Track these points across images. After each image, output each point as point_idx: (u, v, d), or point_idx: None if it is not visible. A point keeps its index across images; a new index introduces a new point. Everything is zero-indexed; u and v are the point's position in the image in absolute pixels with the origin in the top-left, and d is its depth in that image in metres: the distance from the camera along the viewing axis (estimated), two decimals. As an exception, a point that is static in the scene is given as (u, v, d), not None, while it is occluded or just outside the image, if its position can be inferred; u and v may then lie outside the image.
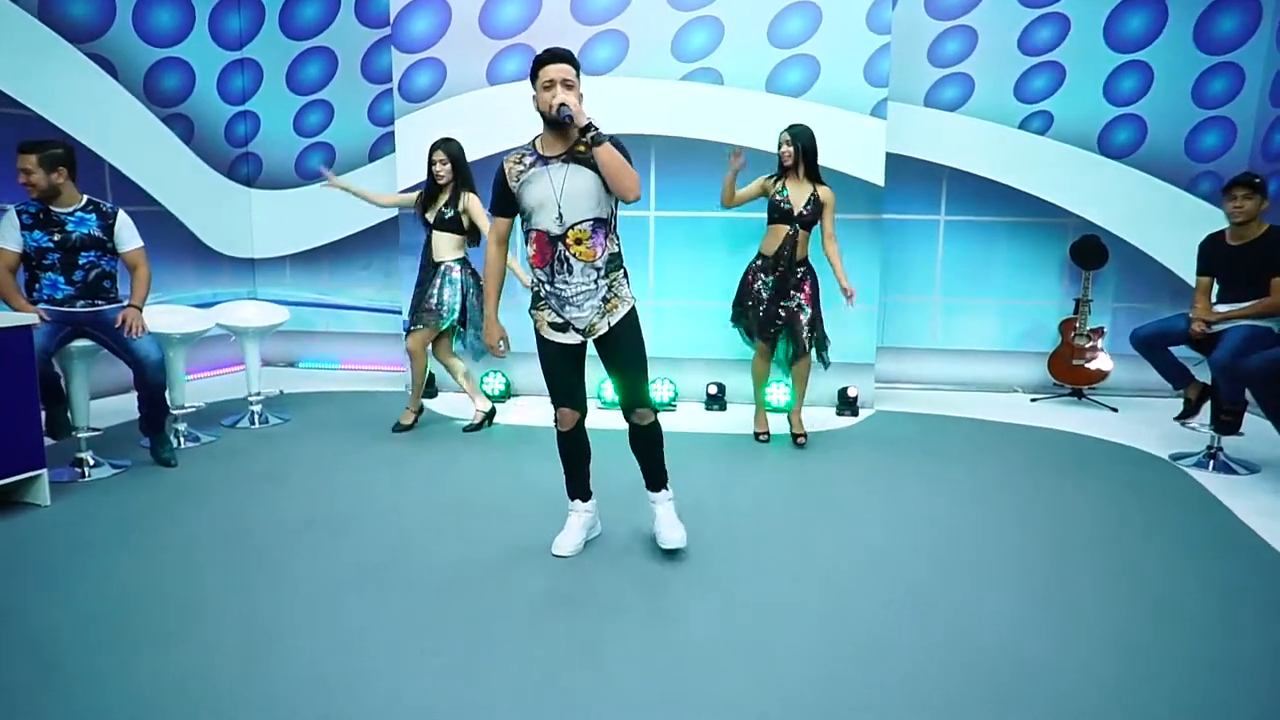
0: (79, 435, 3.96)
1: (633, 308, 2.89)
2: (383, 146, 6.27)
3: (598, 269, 2.77)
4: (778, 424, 4.90)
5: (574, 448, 3.04)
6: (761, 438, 4.74)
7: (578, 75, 2.68)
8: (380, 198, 5.15)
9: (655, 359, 5.70)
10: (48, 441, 3.95)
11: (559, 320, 2.84)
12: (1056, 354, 5.77)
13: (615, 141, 2.67)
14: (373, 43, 6.17)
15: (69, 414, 3.96)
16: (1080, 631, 2.48)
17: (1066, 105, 5.76)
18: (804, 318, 4.53)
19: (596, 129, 2.60)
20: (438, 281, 4.65)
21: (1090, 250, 5.66)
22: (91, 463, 4.00)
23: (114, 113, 5.47)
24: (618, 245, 2.86)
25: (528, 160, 2.75)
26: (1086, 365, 5.66)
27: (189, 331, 4.48)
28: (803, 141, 4.42)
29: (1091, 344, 5.66)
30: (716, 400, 5.46)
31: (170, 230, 5.92)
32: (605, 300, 2.81)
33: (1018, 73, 5.78)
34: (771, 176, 4.56)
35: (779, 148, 4.48)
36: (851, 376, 5.38)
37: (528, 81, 2.75)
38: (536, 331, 2.91)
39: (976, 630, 2.48)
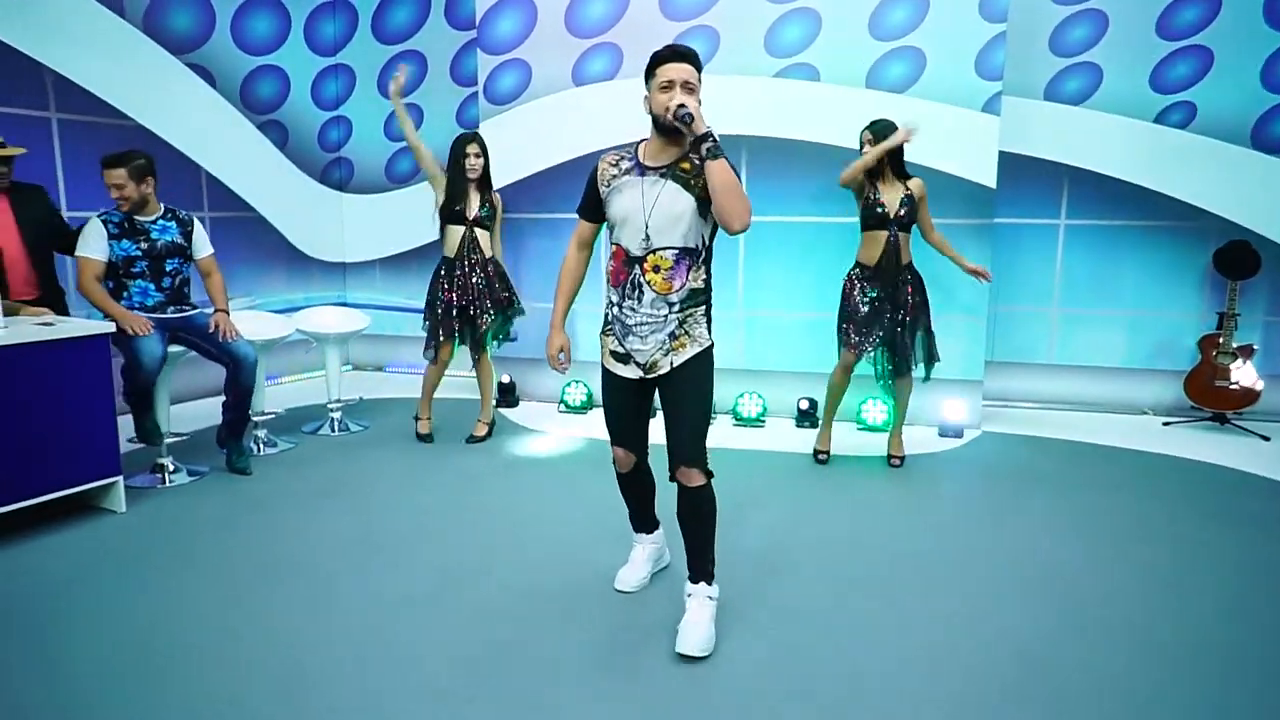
0: (166, 441, 4.00)
1: (706, 350, 2.48)
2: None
3: (671, 303, 2.42)
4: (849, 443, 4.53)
5: (634, 487, 2.78)
6: (821, 457, 4.41)
7: (700, 79, 2.37)
8: (420, 147, 4.65)
9: (744, 372, 5.61)
10: (130, 447, 4.03)
11: (621, 350, 2.52)
12: (1195, 373, 5.15)
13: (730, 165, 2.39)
14: (461, 45, 6.11)
15: (157, 419, 4.01)
16: (1229, 724, 2.07)
17: (1214, 95, 5.14)
18: (910, 334, 4.16)
19: (716, 140, 2.26)
20: (488, 274, 4.62)
21: (1238, 258, 5.03)
22: (171, 468, 4.03)
23: (212, 121, 5.58)
24: (704, 280, 2.48)
25: (624, 165, 2.45)
26: (1231, 386, 5.04)
27: (270, 338, 4.47)
28: (886, 137, 4.05)
29: (1238, 363, 5.03)
30: (808, 417, 5.13)
31: (263, 235, 6.02)
32: (673, 336, 2.44)
33: (1155, 60, 5.19)
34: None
35: (861, 148, 4.15)
36: (956, 394, 4.95)
37: (613, 82, 2.54)
38: (602, 365, 2.62)
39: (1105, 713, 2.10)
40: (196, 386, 5.28)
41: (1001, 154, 4.86)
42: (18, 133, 4.60)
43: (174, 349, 3.97)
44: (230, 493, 3.85)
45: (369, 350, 6.73)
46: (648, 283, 2.40)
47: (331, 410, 4.95)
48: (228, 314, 4.06)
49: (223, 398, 4.09)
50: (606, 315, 2.56)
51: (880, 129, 4.07)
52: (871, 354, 4.24)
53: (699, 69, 2.37)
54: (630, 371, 2.52)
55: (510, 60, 5.41)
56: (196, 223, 4.06)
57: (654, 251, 2.39)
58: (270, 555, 3.13)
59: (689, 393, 2.46)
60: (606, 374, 2.59)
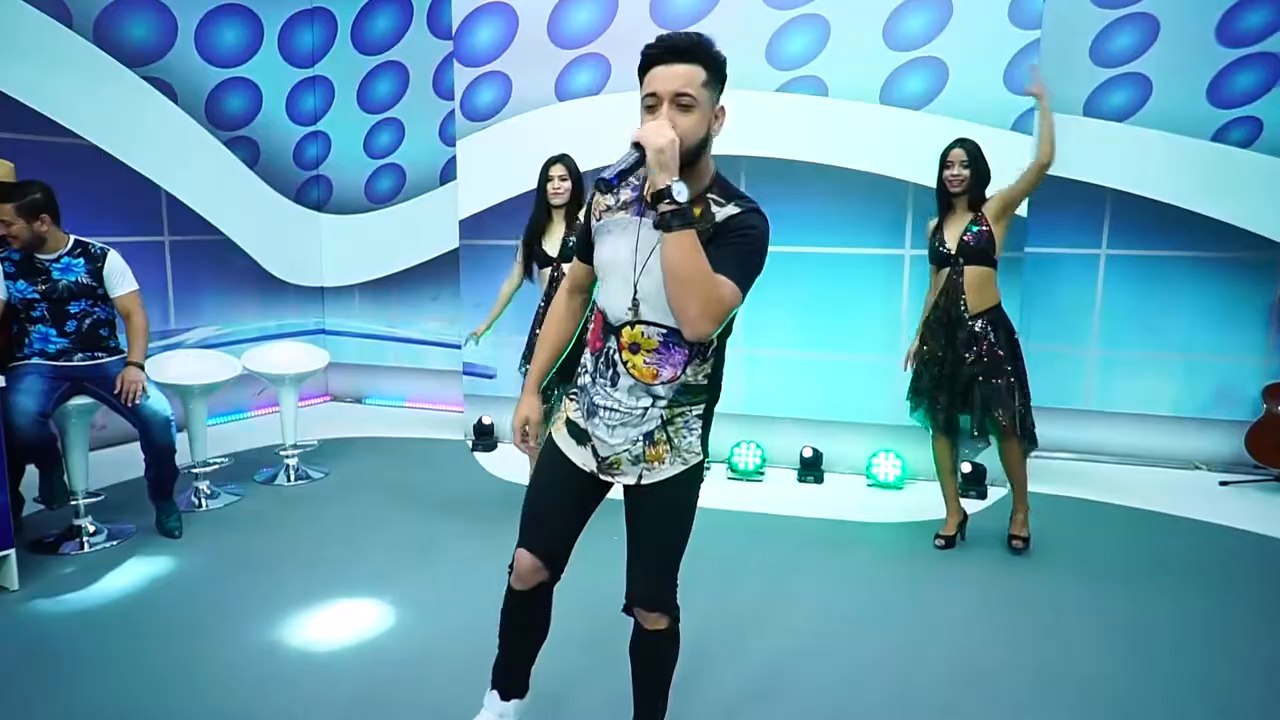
0: (76, 502, 3.58)
1: (693, 469, 1.83)
2: (454, 168, 5.75)
3: (656, 396, 1.76)
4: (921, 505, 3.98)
5: (524, 617, 2.00)
6: (939, 542, 3.65)
7: (712, 84, 1.64)
8: (503, 296, 4.03)
9: (741, 417, 5.02)
10: (30, 511, 3.62)
11: (581, 426, 1.86)
12: (1260, 426, 4.52)
13: (734, 226, 1.65)
14: (444, 56, 5.66)
15: (66, 478, 3.59)
16: None
17: (1282, 109, 4.52)
18: (980, 386, 3.47)
19: (678, 203, 1.54)
20: None
21: (1309, 296, 4.41)
22: (91, 530, 3.62)
23: (172, 138, 5.19)
24: (707, 376, 1.79)
25: (625, 194, 1.76)
26: (1299, 443, 4.41)
27: (210, 383, 4.05)
28: (979, 161, 3.45)
29: (1307, 417, 4.40)
30: (811, 468, 4.59)
31: (232, 260, 5.62)
32: (650, 439, 1.78)
33: (1214, 70, 4.58)
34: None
35: (943, 169, 3.48)
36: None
37: (600, 97, 1.98)
38: (549, 433, 1.97)
39: None
40: (127, 430, 4.83)
41: (1034, 178, 4.28)
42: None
43: (80, 401, 3.54)
44: (148, 561, 3.42)
45: (348, 380, 6.31)
46: (624, 364, 1.76)
47: (286, 457, 4.52)
48: (141, 367, 3.58)
49: (143, 451, 3.66)
50: (578, 378, 1.92)
51: (975, 151, 3.46)
52: (936, 410, 3.59)
53: (714, 69, 1.63)
54: (582, 458, 1.86)
55: (489, 73, 4.95)
56: (111, 257, 3.62)
57: (636, 324, 1.73)
58: (175, 652, 2.68)
59: (661, 521, 1.84)
60: (552, 452, 1.92)
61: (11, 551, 3.12)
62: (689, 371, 1.75)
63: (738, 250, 1.62)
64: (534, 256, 3.78)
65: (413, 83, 5.80)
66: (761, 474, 4.64)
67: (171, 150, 5.17)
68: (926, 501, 4.20)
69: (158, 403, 3.58)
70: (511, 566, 1.93)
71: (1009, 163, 4.17)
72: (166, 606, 3.04)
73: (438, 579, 3.32)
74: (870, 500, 4.31)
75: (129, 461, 4.32)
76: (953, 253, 3.47)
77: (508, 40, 4.89)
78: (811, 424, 4.66)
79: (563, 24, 4.80)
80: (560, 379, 3.53)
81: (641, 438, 1.78)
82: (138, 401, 3.50)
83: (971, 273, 3.46)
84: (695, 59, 1.61)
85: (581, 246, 1.90)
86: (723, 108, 1.69)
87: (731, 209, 1.66)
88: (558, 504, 1.90)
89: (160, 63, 5.09)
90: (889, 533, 3.85)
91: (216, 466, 4.20)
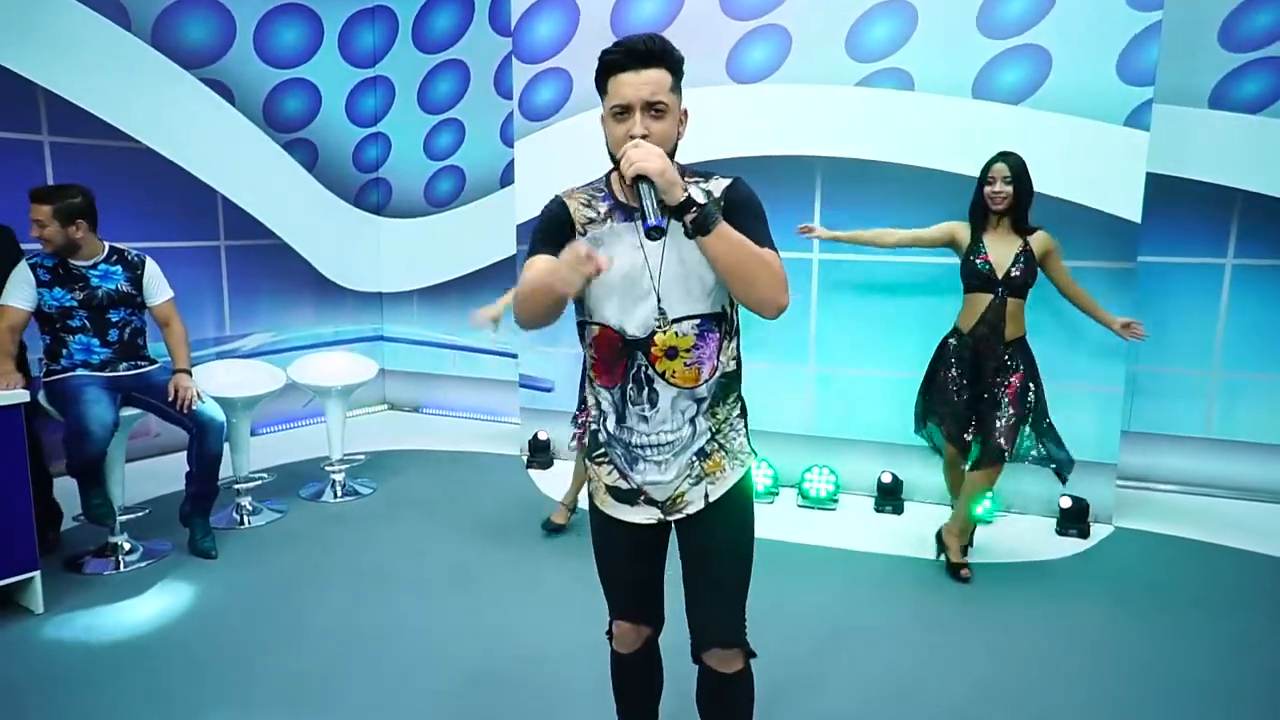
0: (120, 519, 3.46)
1: (748, 475, 1.75)
2: (514, 170, 5.53)
3: (699, 400, 1.66)
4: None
5: (636, 674, 1.93)
6: (963, 572, 3.38)
7: (678, 87, 1.57)
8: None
9: (813, 438, 4.58)
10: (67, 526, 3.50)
11: (626, 486, 1.72)
12: None
13: (740, 198, 1.61)
14: (505, 54, 5.44)
15: (108, 493, 3.46)
16: None
17: None
18: (1002, 417, 3.25)
19: (700, 205, 1.47)
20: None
21: None
22: (127, 548, 3.49)
23: (229, 141, 5.09)
24: (736, 358, 1.72)
25: (600, 207, 1.64)
26: None
27: (253, 394, 3.89)
28: (1023, 180, 3.21)
29: None
30: (890, 497, 4.19)
31: (287, 264, 5.51)
32: (704, 455, 1.68)
33: (1364, 55, 4.00)
34: (967, 224, 3.38)
35: (984, 185, 3.25)
36: (1082, 477, 3.92)
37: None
38: (590, 500, 1.81)
39: None
40: (167, 441, 4.75)
41: (1150, 177, 3.80)
42: (5, 157, 4.21)
43: (128, 412, 3.43)
44: (180, 585, 3.27)
45: (406, 389, 6.15)
46: (662, 375, 1.63)
47: (332, 473, 4.34)
48: (189, 373, 3.48)
49: (188, 462, 3.52)
50: (595, 435, 1.76)
51: (1018, 167, 3.21)
52: (955, 436, 3.39)
53: (678, 72, 1.56)
54: (643, 515, 1.72)
55: (549, 70, 4.70)
56: (149, 264, 3.49)
57: (668, 327, 1.61)
58: (198, 680, 2.50)
59: (727, 542, 1.72)
60: (604, 522, 1.78)
61: (36, 574, 2.99)
62: (723, 358, 1.67)
63: (754, 218, 1.61)
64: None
65: (474, 82, 5.59)
66: (835, 502, 4.26)
67: (228, 153, 5.08)
68: (1021, 536, 3.78)
69: (213, 408, 3.47)
70: (611, 633, 1.89)
71: (1121, 164, 3.74)
72: (194, 637, 2.87)
73: (479, 610, 3.08)
74: (803, 520, 4.00)
75: (167, 474, 4.20)
76: (999, 279, 3.24)
77: (569, 34, 4.63)
78: (891, 448, 4.26)
79: (627, 15, 4.51)
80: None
81: (695, 457, 1.68)
82: (194, 407, 3.38)
83: (1014, 303, 3.26)
84: (661, 63, 1.54)
85: (547, 251, 1.58)
86: (686, 110, 1.63)
87: (717, 184, 1.64)
88: (633, 570, 1.82)
89: (218, 64, 5.00)
90: (977, 573, 3.43)
91: (259, 482, 4.05)
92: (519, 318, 1.59)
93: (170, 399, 3.38)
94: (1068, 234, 3.53)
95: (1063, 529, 3.88)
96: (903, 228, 3.69)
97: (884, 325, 4.25)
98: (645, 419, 1.65)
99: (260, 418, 5.23)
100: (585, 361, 1.77)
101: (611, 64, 1.54)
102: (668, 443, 1.65)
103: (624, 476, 1.71)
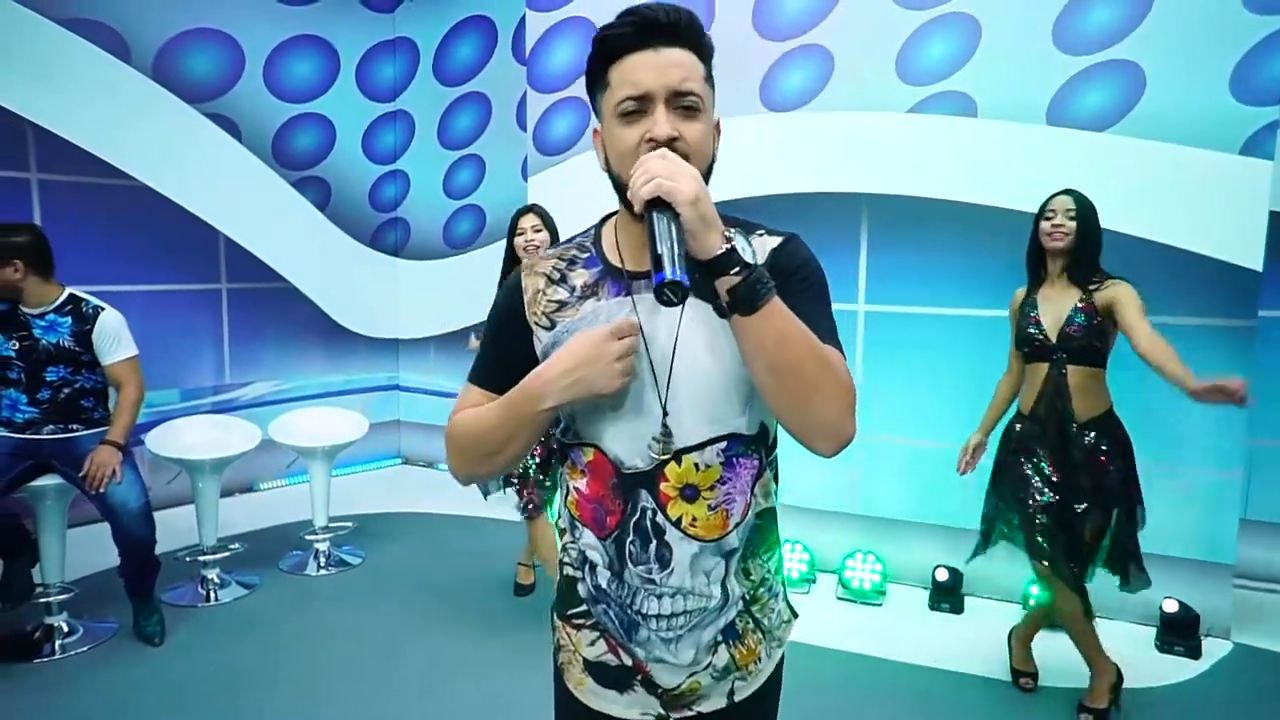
0: (49, 599, 3.07)
1: (782, 658, 1.28)
2: (535, 210, 5.13)
3: (729, 553, 1.16)
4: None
5: None
6: (1025, 683, 2.86)
7: (711, 81, 1.11)
8: None
9: (858, 518, 3.78)
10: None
11: (615, 661, 1.20)
12: None
13: (795, 265, 1.12)
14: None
15: (35, 568, 3.08)
16: None
17: None
18: (1090, 521, 2.59)
19: (746, 265, 0.98)
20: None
21: None
22: (65, 630, 3.10)
23: (234, 178, 4.80)
24: (773, 493, 1.22)
25: (580, 278, 1.16)
26: None
27: (221, 457, 3.50)
28: (1090, 221, 2.60)
29: None
30: (948, 594, 3.54)
31: (294, 309, 5.16)
32: (735, 635, 1.18)
33: None
34: (1024, 289, 2.78)
35: (1042, 220, 2.65)
36: (1189, 578, 3.22)
37: None
38: (558, 681, 1.29)
39: None
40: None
41: (1275, 216, 3.14)
42: (-13, 198, 3.97)
43: (48, 481, 3.03)
44: (120, 676, 2.88)
45: (422, 442, 5.73)
46: (677, 525, 1.13)
47: (315, 542, 3.91)
48: (118, 447, 3.01)
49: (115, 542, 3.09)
50: (570, 585, 1.23)
51: (1084, 205, 2.59)
52: (1050, 551, 2.62)
53: (708, 60, 1.09)
54: (637, 708, 1.20)
55: (566, 99, 4.27)
56: (105, 319, 3.07)
57: (683, 454, 1.11)
58: None
59: None
60: (572, 708, 1.25)
61: (-63, 669, 2.62)
62: (758, 490, 1.16)
63: (815, 299, 1.11)
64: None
65: (495, 115, 5.22)
66: (881, 595, 3.63)
67: (232, 191, 4.78)
68: (1110, 650, 3.09)
69: (128, 490, 3.00)
70: None
71: (1237, 200, 3.08)
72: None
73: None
74: (844, 618, 3.36)
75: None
76: (1053, 343, 2.60)
77: (584, 60, 4.20)
78: (949, 534, 3.62)
79: (650, 40, 4.07)
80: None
81: (720, 636, 1.17)
82: (103, 489, 2.95)
83: (1079, 373, 2.59)
84: (689, 42, 1.07)
85: (499, 367, 1.18)
86: (719, 121, 1.14)
87: (760, 242, 1.14)
88: None
89: (224, 98, 4.73)
90: (1054, 701, 2.77)
91: (228, 553, 3.64)
92: (460, 468, 1.20)
93: (81, 474, 2.96)
94: (1169, 287, 2.91)
95: (1165, 644, 3.17)
96: (968, 278, 3.11)
97: (942, 389, 3.63)
98: (651, 584, 1.15)
99: (261, 471, 4.88)
100: (563, 488, 1.24)
101: (618, 41, 1.05)
102: (683, 611, 1.15)
103: (616, 649, 1.19)
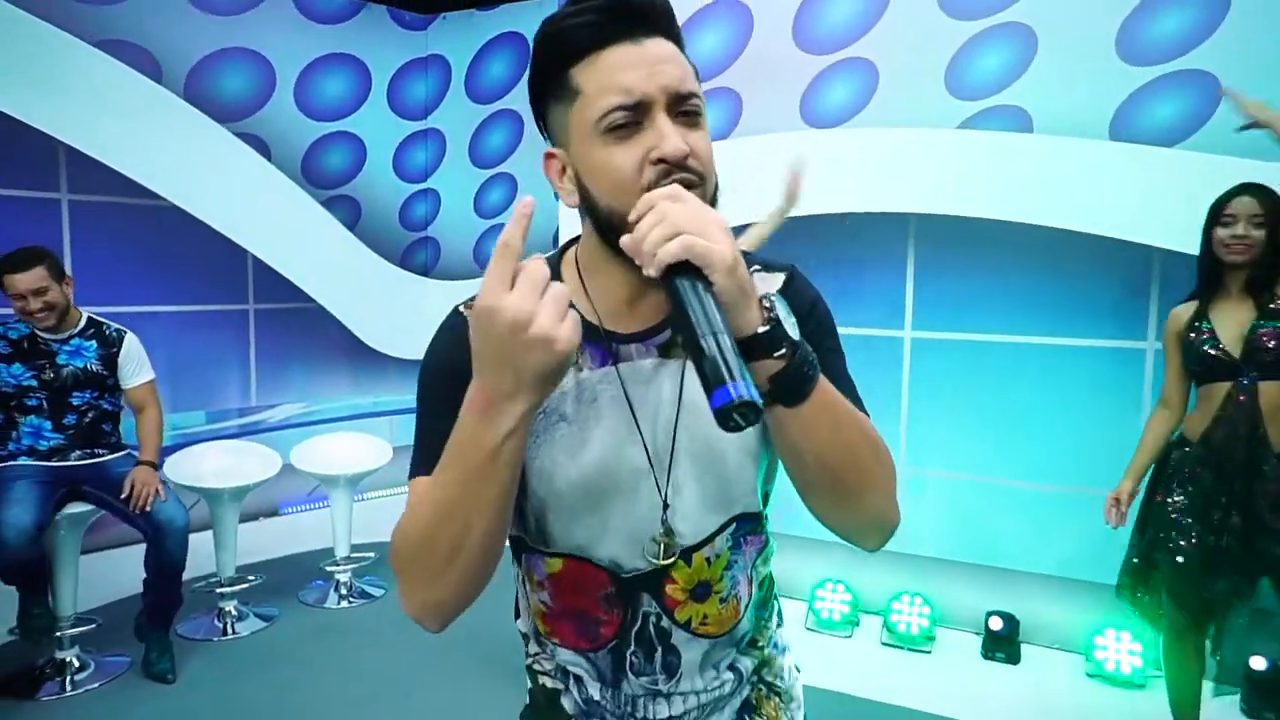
0: (63, 632, 2.98)
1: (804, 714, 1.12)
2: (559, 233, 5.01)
3: (738, 640, 1.01)
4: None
5: None
6: None
7: (697, 74, 0.89)
8: None
9: (905, 557, 3.46)
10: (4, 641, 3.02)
11: None
12: None
13: (804, 307, 0.93)
14: (561, 102, 4.97)
15: (51, 602, 2.99)
16: None
17: None
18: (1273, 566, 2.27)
19: (792, 342, 0.78)
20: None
21: None
22: (77, 665, 3.00)
23: (262, 197, 4.74)
24: (771, 554, 1.05)
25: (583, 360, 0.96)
26: None
27: (242, 484, 3.39)
28: (1276, 227, 2.25)
29: None
30: (1003, 643, 3.30)
31: (323, 329, 5.08)
32: (751, 709, 1.04)
33: None
34: (1190, 303, 2.42)
35: (1217, 227, 2.31)
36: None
37: (730, 141, 1.93)
38: None
39: None
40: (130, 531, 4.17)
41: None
42: (21, 218, 3.95)
43: (77, 508, 2.96)
44: (124, 714, 2.76)
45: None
46: (685, 627, 0.96)
47: (337, 573, 3.79)
48: (155, 466, 2.98)
49: (145, 568, 3.00)
50: (552, 699, 1.04)
51: (1273, 198, 2.28)
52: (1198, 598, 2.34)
53: (684, 49, 0.89)
54: None
55: (598, 116, 4.14)
56: (129, 341, 3.05)
57: (692, 552, 0.95)
58: None
59: None
60: None
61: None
62: (759, 562, 1.02)
63: (833, 346, 0.95)
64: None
65: (526, 132, 5.12)
66: (930, 641, 3.40)
67: (261, 211, 4.72)
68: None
69: (174, 508, 2.95)
70: None
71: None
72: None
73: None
74: (1090, 699, 2.98)
75: (135, 569, 3.66)
76: (1236, 358, 2.24)
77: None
78: (1001, 575, 3.39)
79: (691, 49, 3.92)
80: None
81: (736, 716, 1.03)
82: (149, 507, 2.88)
83: (1273, 390, 2.20)
84: (669, 31, 0.87)
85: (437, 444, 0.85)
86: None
87: (764, 279, 0.95)
88: None
89: (255, 117, 4.68)
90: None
91: (246, 585, 3.53)
92: (416, 589, 0.86)
93: (124, 495, 2.89)
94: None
95: (1251, 712, 2.89)
96: (1023, 304, 2.89)
97: (995, 420, 3.42)
98: (657, 689, 0.98)
99: (286, 495, 4.80)
100: (523, 601, 1.05)
101: (582, 35, 0.83)
102: (696, 707, 1.00)
103: None
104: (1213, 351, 2.28)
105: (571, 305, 0.74)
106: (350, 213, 5.16)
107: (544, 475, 0.91)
